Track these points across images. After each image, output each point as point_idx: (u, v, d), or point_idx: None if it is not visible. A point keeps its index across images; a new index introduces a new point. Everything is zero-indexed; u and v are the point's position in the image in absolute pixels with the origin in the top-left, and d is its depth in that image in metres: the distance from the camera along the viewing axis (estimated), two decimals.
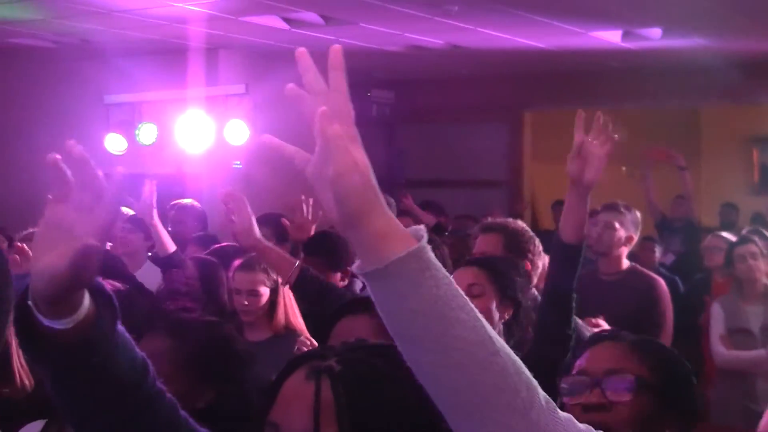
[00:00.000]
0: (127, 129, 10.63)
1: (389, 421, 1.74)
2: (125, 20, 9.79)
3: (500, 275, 4.20)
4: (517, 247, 5.08)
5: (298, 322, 5.10)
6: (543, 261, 5.13)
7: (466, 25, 9.94)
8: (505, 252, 5.02)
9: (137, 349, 1.86)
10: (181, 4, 9.02)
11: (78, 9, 9.29)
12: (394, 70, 13.33)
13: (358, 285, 5.80)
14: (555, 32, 10.27)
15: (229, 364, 3.30)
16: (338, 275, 5.73)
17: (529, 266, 5.00)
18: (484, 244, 5.27)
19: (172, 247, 6.18)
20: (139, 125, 10.60)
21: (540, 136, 14.73)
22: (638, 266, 6.65)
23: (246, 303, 5.06)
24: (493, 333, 1.61)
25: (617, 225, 6.30)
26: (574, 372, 2.57)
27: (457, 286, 1.61)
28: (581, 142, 3.78)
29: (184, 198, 8.91)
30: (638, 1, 8.82)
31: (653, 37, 10.41)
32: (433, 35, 10.63)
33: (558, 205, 11.57)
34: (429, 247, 1.59)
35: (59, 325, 1.70)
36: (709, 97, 13.06)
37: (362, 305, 2.97)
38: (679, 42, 10.69)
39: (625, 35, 10.48)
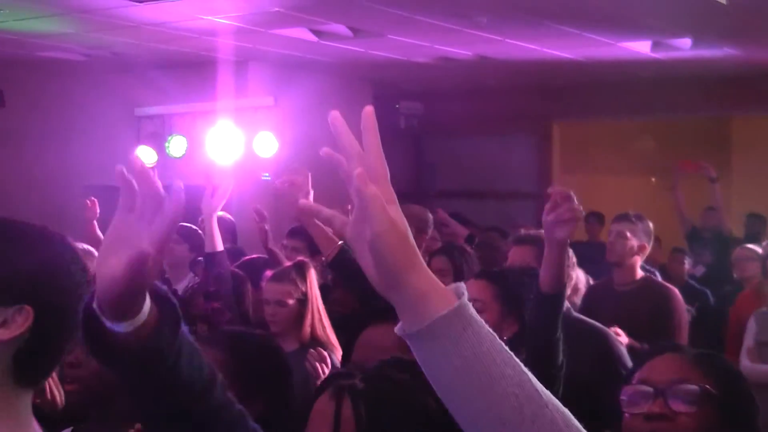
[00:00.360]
0: (157, 141, 10.69)
1: None
2: (155, 33, 9.82)
3: (507, 291, 4.14)
4: None
5: (327, 334, 5.07)
6: (576, 273, 5.07)
7: (495, 36, 9.91)
8: (537, 263, 4.96)
9: (204, 358, 1.89)
10: (210, 17, 9.03)
11: (109, 22, 9.32)
12: (423, 81, 13.31)
13: None
14: (584, 43, 10.23)
15: (278, 377, 3.30)
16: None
17: None
18: (516, 256, 5.22)
19: (220, 246, 6.18)
20: (169, 137, 10.65)
21: (569, 147, 14.68)
22: (652, 276, 6.60)
23: (273, 313, 5.06)
24: (540, 386, 1.58)
25: (629, 234, 6.25)
26: (633, 382, 2.53)
27: (500, 341, 1.58)
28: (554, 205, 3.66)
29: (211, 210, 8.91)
30: (668, 11, 8.76)
31: (683, 47, 10.34)
32: (461, 46, 10.60)
33: (592, 216, 11.53)
34: (470, 304, 1.57)
35: (121, 328, 1.73)
36: (739, 107, 12.98)
37: (386, 314, 2.94)
38: (709, 52, 10.62)
39: (655, 45, 10.42)
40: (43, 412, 3.54)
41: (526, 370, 1.58)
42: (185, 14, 8.92)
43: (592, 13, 8.82)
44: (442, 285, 1.58)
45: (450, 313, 1.53)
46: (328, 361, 4.33)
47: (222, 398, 1.91)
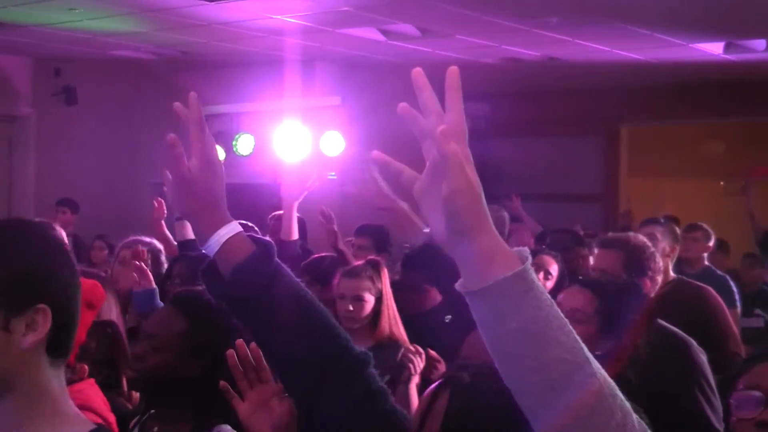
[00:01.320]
0: (225, 139, 10.70)
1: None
2: (224, 32, 9.85)
3: (608, 307, 4.05)
4: (638, 265, 4.88)
5: (401, 332, 5.03)
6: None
7: (564, 37, 9.82)
8: (624, 269, 4.84)
9: (330, 318, 2.07)
10: (279, 17, 9.04)
11: (178, 21, 9.37)
12: (490, 82, 13.23)
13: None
14: (655, 44, 10.10)
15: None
16: (438, 288, 5.68)
17: (649, 284, 4.82)
18: (602, 260, 5.09)
19: (295, 235, 6.17)
20: (237, 136, 10.67)
21: (637, 150, 14.56)
22: (684, 277, 6.46)
23: (351, 308, 5.00)
24: (590, 355, 1.61)
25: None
26: (740, 387, 2.46)
27: (557, 307, 1.60)
28: None
29: (280, 208, 8.90)
30: (741, 12, 8.62)
31: (757, 48, 10.18)
32: (530, 47, 10.52)
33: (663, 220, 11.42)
34: (532, 269, 1.59)
35: (210, 249, 2.02)
36: None
37: None
38: None
39: (728, 47, 10.27)
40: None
41: (578, 338, 1.61)
42: (254, 13, 8.93)
43: (664, 13, 8.70)
44: (508, 248, 1.60)
45: (513, 275, 1.56)
46: (423, 356, 4.29)
47: (350, 361, 2.03)
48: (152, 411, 3.27)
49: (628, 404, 1.63)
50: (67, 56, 11.97)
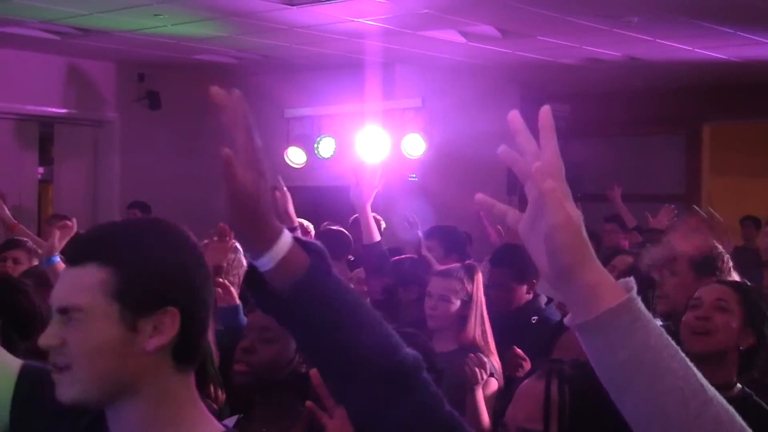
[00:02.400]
0: (307, 142, 10.77)
1: (607, 428, 1.77)
2: (305, 36, 9.90)
3: (751, 302, 4.01)
4: (707, 264, 4.85)
5: (487, 338, 5.01)
6: (734, 278, 4.90)
7: (646, 37, 9.75)
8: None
9: (385, 325, 1.96)
10: (360, 20, 9.06)
11: (261, 25, 9.43)
12: (570, 82, 13.17)
13: (542, 299, 5.71)
14: (738, 42, 9.98)
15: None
16: (524, 287, 5.66)
17: None
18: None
19: (377, 237, 6.19)
20: (318, 138, 10.72)
21: (719, 149, 14.39)
22: None
23: (434, 307, 5.00)
24: (705, 381, 1.60)
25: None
26: None
27: (667, 335, 1.61)
28: None
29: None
30: None
31: None
32: (611, 47, 10.45)
33: (747, 220, 11.29)
34: (639, 299, 1.59)
35: (264, 265, 1.85)
36: None
37: None
38: None
39: None
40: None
41: (691, 365, 1.59)
42: (335, 17, 8.97)
43: (747, 11, 8.59)
44: (613, 279, 1.61)
45: (619, 306, 1.56)
46: (488, 367, 4.28)
47: (406, 371, 1.94)
48: (252, 411, 3.28)
49: (749, 429, 1.61)
50: (150, 61, 12.11)
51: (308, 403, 2.46)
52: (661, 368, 1.56)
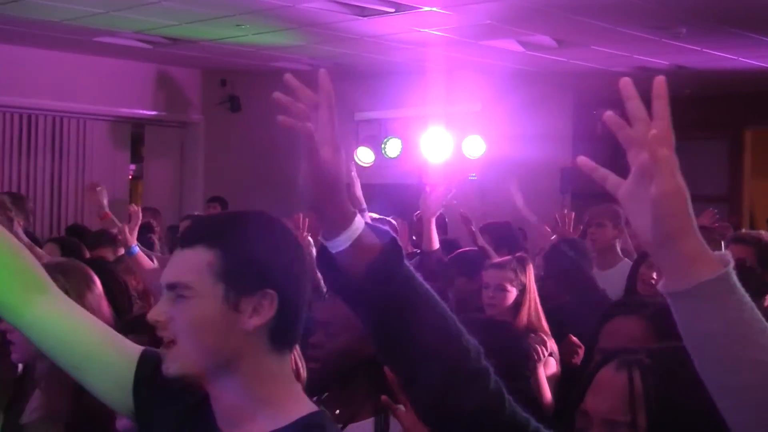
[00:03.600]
0: (375, 143, 10.79)
1: (695, 415, 1.73)
2: (374, 45, 9.91)
3: None
4: None
5: (542, 323, 4.99)
6: None
7: (693, 47, 9.64)
8: (756, 265, 4.74)
9: (447, 312, 1.93)
10: (426, 30, 9.05)
11: (332, 35, 9.46)
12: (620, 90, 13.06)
13: None
14: None
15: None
16: None
17: None
18: (734, 255, 5.00)
19: (436, 245, 6.19)
20: (386, 139, 10.75)
21: (760, 153, 14.23)
22: None
23: (492, 296, 5.00)
24: None
25: None
26: None
27: (758, 311, 1.58)
28: None
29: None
30: None
31: None
32: (659, 56, 10.35)
33: None
34: (734, 272, 1.56)
35: (338, 246, 1.83)
36: None
37: (633, 308, 2.87)
38: None
39: None
40: None
41: None
42: (402, 27, 8.97)
43: None
44: (711, 252, 1.57)
45: (717, 278, 1.53)
46: (548, 344, 4.26)
47: (470, 359, 1.92)
48: (326, 394, 3.27)
49: None
50: (232, 68, 12.19)
51: (383, 397, 2.43)
52: (749, 341, 1.53)
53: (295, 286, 1.97)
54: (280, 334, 1.95)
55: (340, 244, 1.84)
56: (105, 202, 7.24)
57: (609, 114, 1.65)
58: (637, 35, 9.08)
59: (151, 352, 2.08)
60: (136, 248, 5.63)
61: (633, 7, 7.90)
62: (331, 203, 1.82)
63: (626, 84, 1.64)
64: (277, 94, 1.89)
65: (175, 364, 1.93)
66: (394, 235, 1.88)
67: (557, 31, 9.20)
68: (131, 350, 2.16)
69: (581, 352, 4.60)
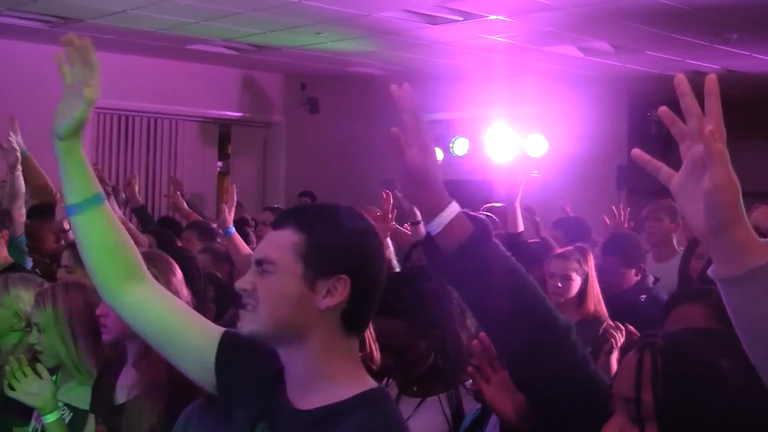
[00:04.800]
0: (443, 142, 10.79)
1: (704, 394, 1.69)
2: (443, 50, 9.91)
3: None
4: None
5: (603, 310, 4.97)
6: None
7: (743, 51, 9.50)
8: None
9: (539, 289, 2.02)
10: (491, 36, 9.04)
11: (404, 42, 9.47)
12: (673, 92, 12.83)
13: (650, 280, 5.64)
14: None
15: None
16: (633, 271, 5.60)
17: None
18: None
19: (521, 227, 6.20)
20: (454, 139, 10.75)
21: None
22: None
23: (559, 285, 4.98)
24: None
25: None
26: None
27: None
28: None
29: (489, 201, 8.93)
30: None
31: None
32: (710, 61, 10.20)
33: None
34: None
35: (434, 229, 1.99)
36: None
37: (697, 295, 2.86)
38: None
39: None
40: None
41: None
42: (469, 34, 8.96)
43: None
44: (759, 240, 1.57)
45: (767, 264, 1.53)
46: (623, 332, 4.27)
47: (556, 331, 1.98)
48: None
49: None
50: (311, 72, 12.23)
51: (469, 368, 2.45)
52: None
53: (369, 275, 2.00)
54: (351, 317, 1.98)
55: (435, 227, 1.98)
56: (184, 205, 7.40)
57: (663, 109, 1.65)
58: (689, 41, 8.98)
59: (232, 333, 2.14)
60: (233, 229, 5.62)
61: (686, 15, 7.82)
62: (422, 194, 1.97)
63: (681, 81, 1.65)
64: (394, 88, 2.07)
65: (250, 324, 1.98)
66: (487, 221, 1.98)
67: (614, 38, 9.13)
68: (213, 332, 2.22)
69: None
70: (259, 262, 1.99)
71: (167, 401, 2.97)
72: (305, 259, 1.95)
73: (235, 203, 5.69)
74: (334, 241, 1.97)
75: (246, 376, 2.11)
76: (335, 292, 1.94)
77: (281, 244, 1.98)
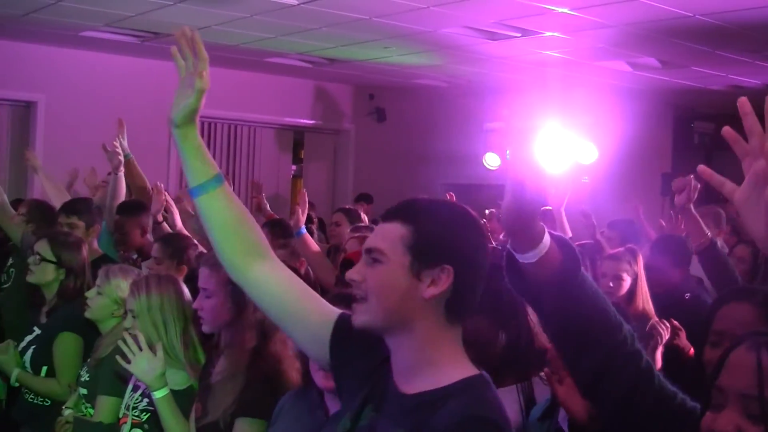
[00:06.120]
0: (501, 149, 10.74)
1: None
2: (502, 64, 9.88)
3: None
4: None
5: (651, 308, 4.92)
6: None
7: None
8: None
9: (610, 306, 1.96)
10: (546, 52, 9.00)
11: (466, 56, 9.47)
12: (715, 105, 12.74)
13: (694, 280, 5.58)
14: None
15: None
16: (679, 271, 5.54)
17: None
18: None
19: (569, 233, 6.17)
20: (512, 146, 10.69)
21: None
22: None
23: (611, 285, 4.94)
24: None
25: None
26: None
27: None
28: None
29: (542, 205, 8.88)
30: None
31: None
32: (752, 76, 10.07)
33: None
34: None
35: (527, 260, 1.89)
36: None
37: (746, 294, 2.82)
38: None
39: None
40: None
41: None
42: (527, 50, 8.93)
43: None
44: None
45: None
46: (669, 329, 4.22)
47: (625, 344, 1.93)
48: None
49: None
50: (379, 84, 12.27)
51: (546, 371, 2.43)
52: None
53: (472, 266, 1.98)
54: (454, 306, 1.96)
55: (529, 258, 1.89)
56: (267, 206, 7.50)
57: (727, 129, 1.63)
58: (732, 57, 8.86)
59: (347, 316, 2.11)
60: (304, 230, 5.71)
61: (730, 33, 7.72)
62: (524, 231, 1.87)
63: (743, 103, 1.63)
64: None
65: (363, 316, 1.98)
66: (574, 248, 1.91)
67: (662, 54, 9.04)
68: (330, 312, 2.20)
69: (682, 334, 4.53)
70: (370, 251, 1.98)
71: (244, 387, 3.02)
72: (412, 250, 1.94)
73: (307, 206, 5.78)
74: (439, 232, 1.95)
75: (357, 358, 2.10)
76: (439, 282, 1.93)
77: (390, 235, 1.97)
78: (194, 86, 2.17)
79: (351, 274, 1.99)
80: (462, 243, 1.97)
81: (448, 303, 1.95)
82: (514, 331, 2.97)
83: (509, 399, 2.91)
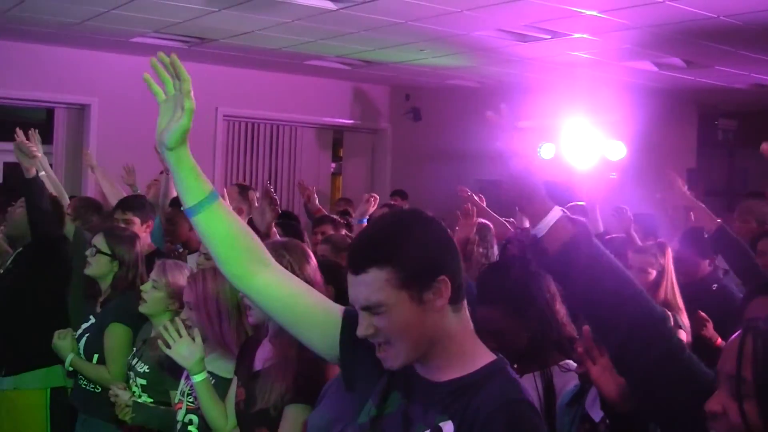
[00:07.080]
0: (533, 147, 10.68)
1: None
2: (532, 65, 9.83)
3: None
4: None
5: (677, 300, 4.89)
6: None
7: None
8: None
9: (637, 283, 2.01)
10: (575, 53, 8.93)
11: (497, 57, 9.42)
12: (738, 103, 12.58)
13: (721, 271, 5.54)
14: None
15: None
16: (706, 262, 5.50)
17: None
18: None
19: (601, 227, 6.16)
20: (541, 144, 10.63)
21: None
22: None
23: (635, 277, 4.91)
24: None
25: None
26: None
27: None
28: None
29: (572, 201, 8.83)
30: None
31: None
32: None
33: None
34: None
35: (539, 232, 1.97)
36: None
37: None
38: None
39: None
40: None
41: None
42: (556, 51, 8.87)
43: None
44: None
45: None
46: (680, 318, 4.18)
47: (660, 333, 1.93)
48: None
49: None
50: (414, 85, 12.25)
51: (580, 349, 2.42)
52: None
53: (451, 254, 1.98)
54: (456, 297, 1.97)
55: (541, 230, 1.95)
56: (317, 201, 7.57)
57: (765, 145, 1.66)
58: (755, 57, 8.74)
59: (352, 312, 2.09)
60: (365, 220, 5.82)
61: (753, 34, 7.61)
62: (525, 202, 1.95)
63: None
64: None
65: (397, 360, 1.96)
66: (586, 223, 1.95)
67: (687, 54, 8.94)
68: (335, 309, 2.19)
69: (709, 325, 4.50)
70: (368, 308, 1.95)
71: (295, 374, 3.01)
72: (404, 285, 1.91)
73: (377, 200, 5.96)
74: (420, 256, 1.93)
75: (369, 353, 2.07)
76: (442, 292, 1.93)
77: (375, 286, 1.92)
78: (183, 107, 2.07)
79: (362, 332, 1.97)
80: (443, 251, 1.97)
81: (451, 298, 1.96)
82: (533, 320, 2.94)
83: (528, 387, 2.91)
